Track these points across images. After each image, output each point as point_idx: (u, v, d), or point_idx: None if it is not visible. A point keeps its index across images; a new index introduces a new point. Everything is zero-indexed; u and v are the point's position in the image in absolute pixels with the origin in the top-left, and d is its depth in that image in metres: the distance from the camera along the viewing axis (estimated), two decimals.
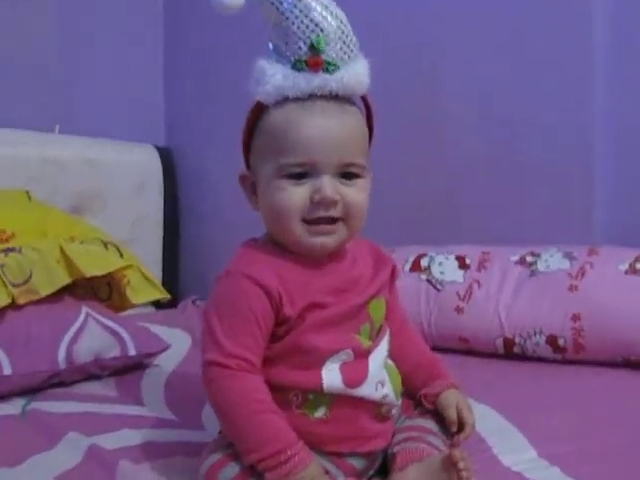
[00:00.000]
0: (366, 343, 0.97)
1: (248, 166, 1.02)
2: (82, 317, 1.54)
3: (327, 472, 0.91)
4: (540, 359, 1.56)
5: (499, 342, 1.59)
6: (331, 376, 0.93)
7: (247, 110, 0.98)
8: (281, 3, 0.94)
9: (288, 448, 0.86)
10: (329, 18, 0.94)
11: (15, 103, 2.21)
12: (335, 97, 0.95)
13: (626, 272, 1.52)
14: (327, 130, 0.93)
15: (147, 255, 2.21)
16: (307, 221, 0.94)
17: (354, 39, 0.97)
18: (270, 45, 0.97)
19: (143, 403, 1.37)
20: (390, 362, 1.02)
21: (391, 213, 1.88)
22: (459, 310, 1.64)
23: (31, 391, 1.41)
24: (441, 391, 1.05)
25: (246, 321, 0.91)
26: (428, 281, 1.71)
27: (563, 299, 1.54)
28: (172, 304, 2.21)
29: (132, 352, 1.54)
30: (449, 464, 0.87)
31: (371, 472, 0.99)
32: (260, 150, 0.97)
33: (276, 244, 0.98)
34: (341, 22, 0.95)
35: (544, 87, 1.81)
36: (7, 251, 1.54)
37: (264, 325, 0.92)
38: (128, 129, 2.49)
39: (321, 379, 0.92)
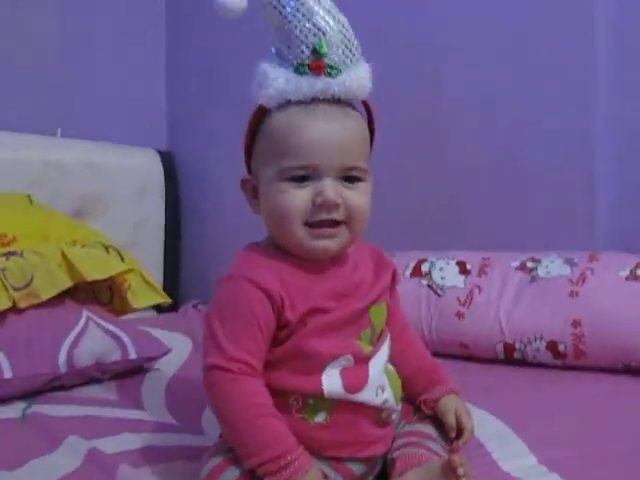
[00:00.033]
0: (367, 348, 0.97)
1: (249, 170, 1.02)
2: (83, 321, 1.54)
3: (326, 477, 0.91)
4: (540, 365, 1.55)
5: (499, 347, 1.58)
6: (331, 381, 0.93)
7: (249, 114, 0.98)
8: (284, 7, 0.94)
9: (288, 453, 0.86)
10: (331, 22, 0.95)
11: (15, 105, 2.22)
12: (337, 101, 0.95)
13: (627, 278, 1.52)
14: (330, 134, 0.93)
15: (148, 259, 2.21)
16: (309, 224, 0.94)
17: (356, 43, 0.97)
18: (273, 49, 0.97)
19: (143, 407, 1.37)
20: (390, 367, 1.02)
21: (392, 217, 1.88)
22: (460, 315, 1.64)
23: (32, 394, 1.41)
24: (440, 397, 1.05)
25: (248, 325, 0.91)
26: (429, 286, 1.71)
27: (564, 305, 1.54)
28: (173, 308, 2.21)
29: (133, 356, 1.54)
30: (448, 470, 0.87)
31: (371, 477, 0.99)
32: (262, 153, 0.97)
33: (278, 248, 0.98)
34: (343, 26, 0.96)
35: (546, 93, 1.81)
36: (8, 255, 1.55)
37: (266, 329, 0.92)
38: (130, 132, 2.49)
39: (321, 384, 0.92)
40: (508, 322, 1.58)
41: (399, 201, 1.95)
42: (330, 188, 0.92)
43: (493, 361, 1.60)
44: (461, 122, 1.95)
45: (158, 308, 2.17)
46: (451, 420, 1.02)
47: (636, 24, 1.71)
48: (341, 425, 0.94)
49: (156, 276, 2.22)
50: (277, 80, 0.94)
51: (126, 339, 1.55)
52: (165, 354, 1.61)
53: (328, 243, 0.95)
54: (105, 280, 1.66)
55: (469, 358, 1.63)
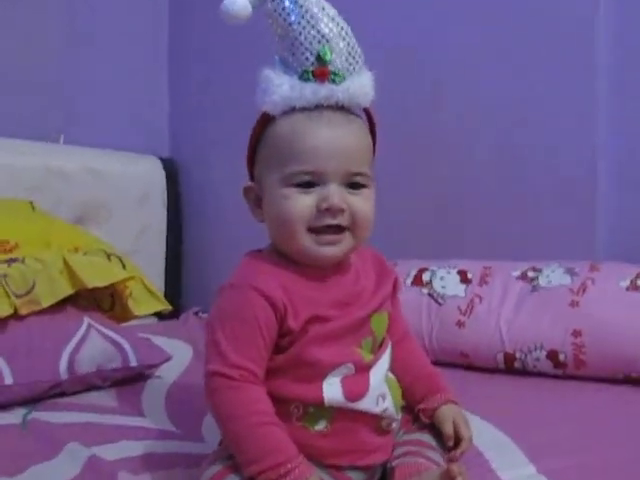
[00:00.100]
0: (367, 357, 0.97)
1: (252, 178, 1.02)
2: (84, 328, 1.54)
3: None
4: (541, 374, 1.55)
5: (500, 357, 1.58)
6: (332, 390, 0.93)
7: (252, 121, 0.99)
8: (288, 15, 0.95)
9: (289, 461, 0.86)
10: (335, 29, 0.95)
11: (17, 111, 2.22)
12: (341, 108, 0.96)
13: (627, 288, 1.52)
14: (334, 140, 0.93)
15: (150, 266, 2.21)
16: (313, 230, 0.93)
17: (359, 50, 0.98)
18: (276, 57, 0.98)
19: (144, 414, 1.37)
20: (391, 375, 1.02)
21: (393, 226, 1.88)
22: (460, 324, 1.64)
23: (32, 401, 1.41)
24: (438, 406, 1.05)
25: (251, 332, 0.91)
26: (430, 295, 1.71)
27: (564, 314, 1.54)
28: (174, 315, 2.21)
29: (133, 363, 1.54)
30: (447, 479, 0.87)
31: None
32: (266, 160, 0.97)
33: (280, 255, 0.98)
34: (347, 34, 0.97)
35: (547, 103, 1.81)
36: (10, 261, 1.55)
37: (268, 336, 0.92)
38: (132, 139, 2.50)
39: (322, 392, 0.92)
40: (508, 331, 1.58)
41: (399, 209, 1.95)
42: (335, 193, 0.92)
43: (493, 370, 1.60)
44: (462, 130, 1.95)
45: (159, 315, 2.17)
46: (449, 429, 1.02)
47: (636, 24, 1.72)
48: (341, 433, 0.94)
49: (158, 283, 2.22)
50: (281, 87, 0.94)
51: (127, 346, 1.55)
52: (166, 361, 1.61)
53: (332, 249, 0.95)
54: (106, 287, 1.66)
55: (469, 367, 1.63)
